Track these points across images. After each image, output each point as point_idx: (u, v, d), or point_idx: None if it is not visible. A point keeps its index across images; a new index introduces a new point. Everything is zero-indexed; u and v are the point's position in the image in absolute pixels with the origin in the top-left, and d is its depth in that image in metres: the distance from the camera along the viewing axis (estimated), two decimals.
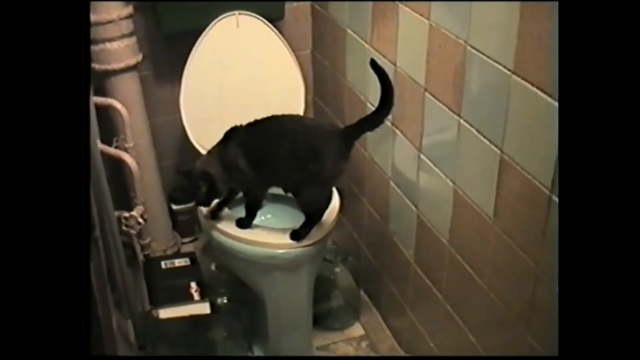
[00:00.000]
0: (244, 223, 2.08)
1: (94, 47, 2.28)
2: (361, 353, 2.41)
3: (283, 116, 1.99)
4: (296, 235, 2.03)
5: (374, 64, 1.85)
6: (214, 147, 2.02)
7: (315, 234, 2.05)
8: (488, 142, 1.59)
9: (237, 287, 2.33)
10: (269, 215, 2.24)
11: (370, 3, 2.09)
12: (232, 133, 1.98)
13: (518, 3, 1.39)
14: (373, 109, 2.18)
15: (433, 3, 1.74)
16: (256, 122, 1.98)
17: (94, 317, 1.13)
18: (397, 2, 1.92)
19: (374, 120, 1.90)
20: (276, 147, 1.94)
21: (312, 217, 2.04)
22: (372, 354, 2.39)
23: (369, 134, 2.24)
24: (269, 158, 1.96)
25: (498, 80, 1.50)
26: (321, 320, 2.45)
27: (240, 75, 2.23)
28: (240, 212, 2.11)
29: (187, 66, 2.33)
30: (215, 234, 2.13)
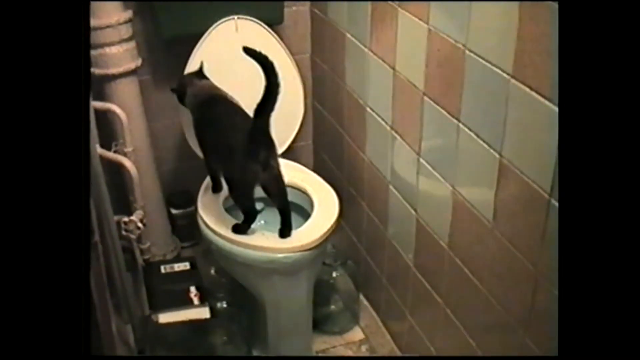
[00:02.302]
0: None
1: (93, 52, 2.28)
2: (361, 357, 2.41)
3: (232, 102, 2.15)
4: (235, 228, 2.10)
5: (247, 50, 1.96)
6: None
7: (314, 238, 2.06)
8: (487, 146, 1.59)
9: (237, 292, 2.34)
10: (262, 221, 2.24)
11: (370, 7, 2.09)
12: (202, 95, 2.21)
13: (517, 6, 1.40)
14: (372, 112, 2.20)
15: (432, 7, 1.74)
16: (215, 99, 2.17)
17: (94, 321, 1.13)
18: (396, 5, 1.92)
19: (264, 106, 1.93)
20: (218, 127, 2.10)
21: (246, 216, 2.10)
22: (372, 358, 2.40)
23: (368, 138, 2.25)
24: (214, 135, 2.14)
25: (497, 85, 1.50)
26: (321, 324, 2.46)
27: (240, 79, 2.23)
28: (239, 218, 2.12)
29: (186, 70, 2.33)
30: (215, 239, 2.13)
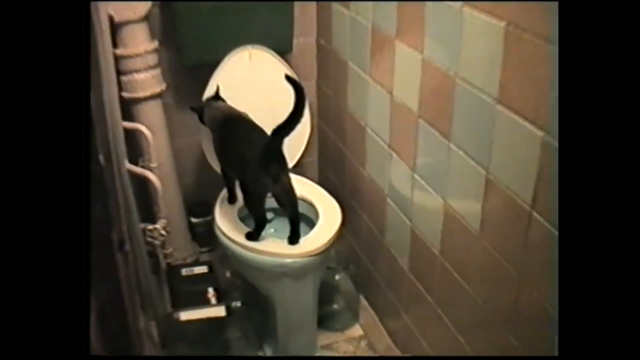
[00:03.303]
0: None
1: (123, 77, 2.29)
2: (360, 352, 2.40)
3: (250, 121, 2.14)
4: (249, 235, 2.10)
5: (288, 78, 1.95)
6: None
7: (319, 245, 2.06)
8: (475, 163, 1.59)
9: (250, 292, 2.33)
10: (272, 230, 2.25)
11: (370, 38, 2.10)
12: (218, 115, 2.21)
13: (502, 38, 1.40)
14: (372, 133, 2.20)
15: (426, 39, 1.74)
16: (235, 118, 2.15)
17: (124, 318, 1.12)
18: (393, 37, 1.93)
19: (286, 127, 1.94)
20: (236, 143, 2.09)
21: (257, 224, 2.10)
22: (371, 353, 2.39)
23: (368, 155, 2.25)
24: (231, 150, 2.13)
25: (484, 108, 1.50)
26: (324, 321, 2.45)
27: (253, 102, 2.24)
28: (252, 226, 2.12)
29: (205, 94, 2.34)
30: (230, 245, 2.13)
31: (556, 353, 1.29)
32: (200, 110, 2.27)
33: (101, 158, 0.99)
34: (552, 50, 1.25)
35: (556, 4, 1.10)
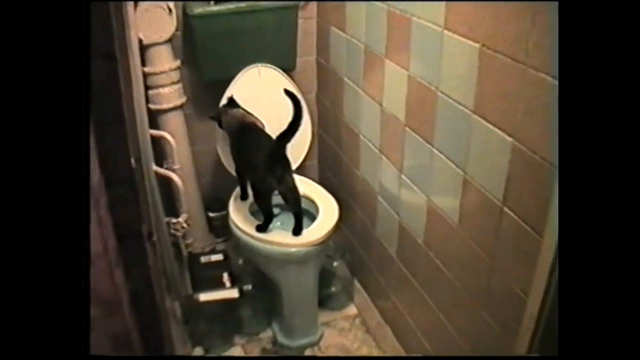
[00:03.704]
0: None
1: (150, 92, 2.30)
2: (355, 328, 2.40)
3: (259, 128, 2.16)
4: (258, 228, 2.10)
5: (287, 92, 1.97)
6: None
7: (320, 236, 2.07)
8: (454, 166, 1.59)
9: (260, 277, 2.33)
10: (278, 223, 2.25)
11: (362, 57, 2.10)
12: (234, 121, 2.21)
13: (477, 57, 1.41)
14: (364, 139, 2.20)
15: (412, 59, 1.75)
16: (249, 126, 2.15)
17: (153, 300, 1.11)
18: (382, 56, 1.93)
19: (287, 134, 1.96)
20: (247, 147, 2.11)
21: (265, 218, 2.10)
22: (364, 329, 2.39)
23: (361, 158, 2.25)
24: (243, 153, 2.15)
25: (462, 118, 1.51)
26: (324, 302, 2.45)
27: (262, 113, 2.24)
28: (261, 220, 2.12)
29: (220, 106, 2.34)
30: (242, 236, 2.14)
31: (521, 327, 1.30)
32: (218, 117, 2.28)
33: (133, 161, 0.98)
34: (520, 68, 1.26)
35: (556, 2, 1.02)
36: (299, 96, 1.99)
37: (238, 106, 2.28)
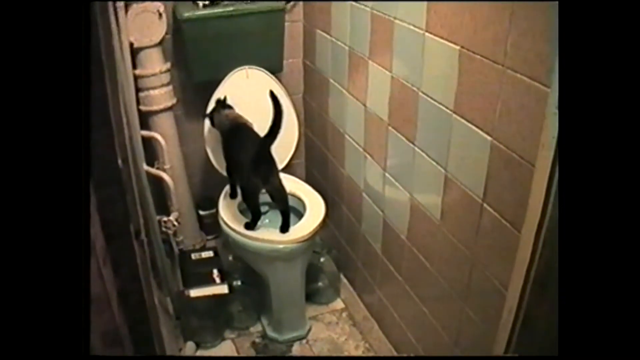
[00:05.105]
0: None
1: (141, 94, 2.28)
2: (342, 322, 2.40)
3: (248, 130, 2.15)
4: (247, 225, 2.09)
5: (271, 94, 1.98)
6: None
7: (306, 233, 2.06)
8: (435, 164, 1.59)
9: (249, 273, 2.33)
10: (266, 221, 2.24)
11: (347, 59, 2.10)
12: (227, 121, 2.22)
13: (457, 60, 1.41)
14: (349, 138, 2.20)
15: (394, 60, 1.75)
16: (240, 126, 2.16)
17: (142, 296, 1.10)
18: (366, 58, 1.93)
19: (269, 135, 1.98)
20: (235, 147, 2.12)
21: (253, 216, 2.10)
22: (351, 322, 2.39)
23: (346, 157, 2.25)
24: (232, 153, 2.16)
25: (442, 118, 1.51)
26: (311, 297, 2.45)
27: (249, 114, 2.24)
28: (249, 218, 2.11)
29: (209, 106, 2.33)
30: (232, 233, 2.13)
31: (501, 319, 1.30)
32: (211, 116, 2.27)
33: (120, 162, 0.97)
34: (499, 70, 1.26)
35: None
36: (280, 99, 1.98)
37: (230, 107, 2.27)
